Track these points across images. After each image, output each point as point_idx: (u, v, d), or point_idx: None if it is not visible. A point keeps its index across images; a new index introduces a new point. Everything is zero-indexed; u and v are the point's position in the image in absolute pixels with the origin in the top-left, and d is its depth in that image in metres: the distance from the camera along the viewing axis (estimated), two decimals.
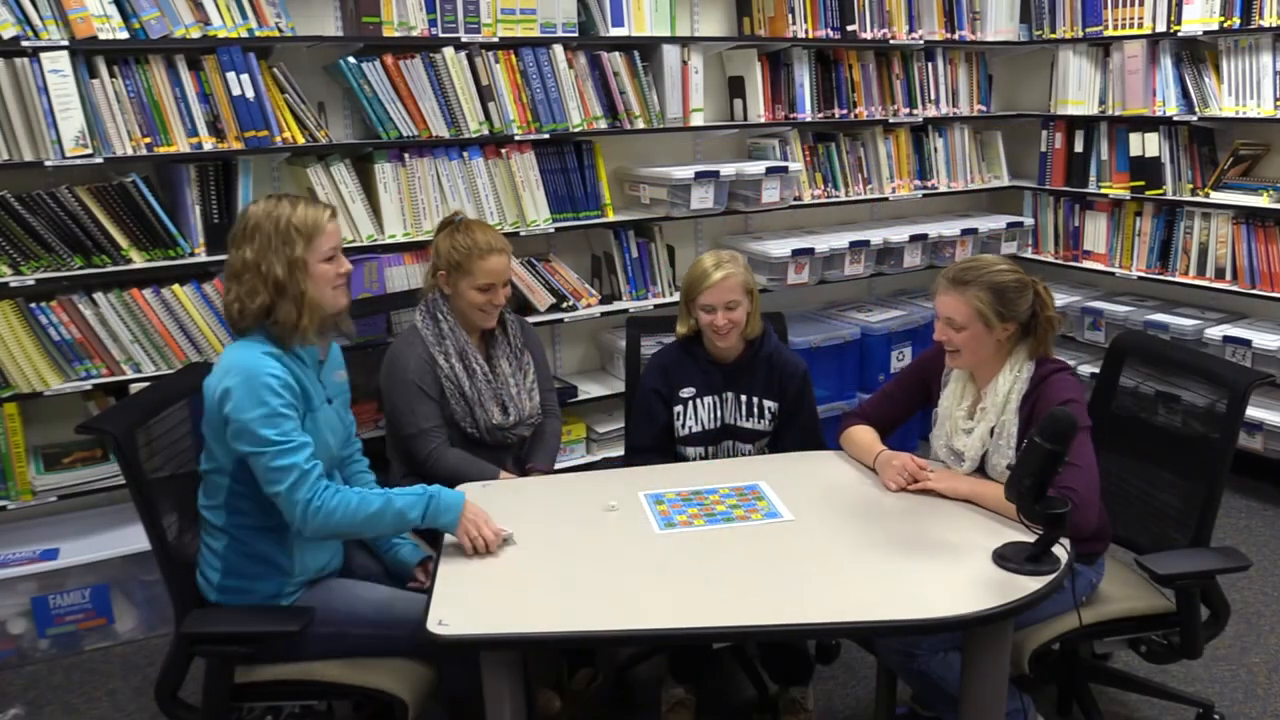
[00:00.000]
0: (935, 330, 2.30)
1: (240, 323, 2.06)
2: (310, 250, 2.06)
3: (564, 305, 3.62)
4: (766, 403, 2.65)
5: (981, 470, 2.30)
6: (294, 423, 2.00)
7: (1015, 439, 2.21)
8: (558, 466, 2.98)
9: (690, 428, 2.66)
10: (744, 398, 2.65)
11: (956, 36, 4.36)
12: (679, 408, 2.66)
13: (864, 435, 2.46)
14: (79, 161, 2.82)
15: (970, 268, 2.26)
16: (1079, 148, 4.42)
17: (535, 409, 2.77)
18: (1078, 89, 4.36)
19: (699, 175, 3.66)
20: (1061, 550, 1.92)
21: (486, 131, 3.42)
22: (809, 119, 4.06)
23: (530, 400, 2.76)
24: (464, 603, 1.85)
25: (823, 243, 4.04)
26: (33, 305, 2.87)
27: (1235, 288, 3.92)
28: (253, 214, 2.08)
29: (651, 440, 2.68)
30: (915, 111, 4.34)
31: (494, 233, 2.71)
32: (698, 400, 2.65)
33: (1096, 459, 2.16)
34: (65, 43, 2.78)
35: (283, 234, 2.04)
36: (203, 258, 3.07)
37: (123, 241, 2.94)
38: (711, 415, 2.66)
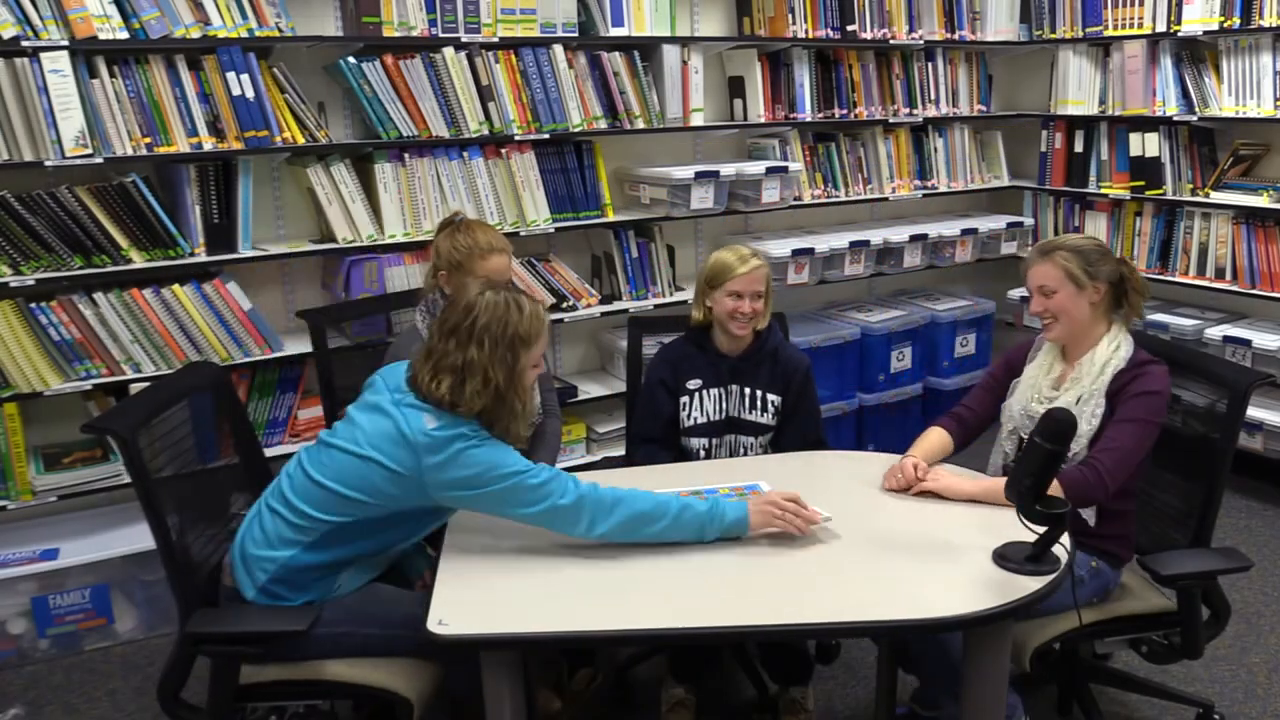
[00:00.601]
0: (1031, 307, 2.35)
1: (454, 411, 1.99)
2: (528, 357, 2.04)
3: (564, 305, 3.62)
4: (770, 396, 2.66)
5: None
6: (518, 455, 2.00)
7: (1100, 410, 2.22)
8: (558, 466, 2.98)
9: (695, 419, 2.67)
10: (748, 390, 2.66)
11: (956, 36, 4.36)
12: (685, 399, 2.68)
13: (923, 439, 2.45)
14: (79, 161, 2.82)
15: (1052, 239, 2.38)
16: (1079, 148, 4.42)
17: (536, 408, 2.77)
18: (1078, 89, 4.36)
19: (699, 175, 3.66)
20: (1061, 550, 1.92)
21: (486, 131, 3.42)
22: (809, 119, 4.06)
23: (532, 400, 2.76)
24: (464, 603, 1.85)
25: (823, 243, 4.04)
26: (33, 305, 2.87)
27: (1235, 288, 3.92)
28: (481, 310, 2.01)
29: (656, 432, 2.70)
30: (915, 111, 4.34)
31: (495, 233, 2.71)
32: (704, 392, 2.67)
33: (1145, 458, 2.22)
34: (65, 43, 2.78)
35: (508, 342, 2.00)
36: (203, 258, 3.07)
37: (123, 241, 2.94)
38: (716, 407, 2.67)
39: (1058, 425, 1.84)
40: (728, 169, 3.74)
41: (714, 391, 2.67)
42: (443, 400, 1.98)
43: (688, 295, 3.85)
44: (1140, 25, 4.09)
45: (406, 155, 3.33)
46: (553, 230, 3.60)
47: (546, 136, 3.51)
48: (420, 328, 2.67)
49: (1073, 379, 2.30)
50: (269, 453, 2.96)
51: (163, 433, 2.13)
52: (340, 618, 2.05)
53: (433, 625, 1.77)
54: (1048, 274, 2.30)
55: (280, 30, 3.10)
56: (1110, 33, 4.20)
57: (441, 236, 2.70)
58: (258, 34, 3.04)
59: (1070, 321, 2.30)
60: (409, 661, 2.08)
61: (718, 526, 2.03)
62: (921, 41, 4.25)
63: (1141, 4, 4.06)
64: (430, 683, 2.08)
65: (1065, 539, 1.93)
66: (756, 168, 3.78)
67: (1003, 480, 2.14)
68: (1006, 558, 1.92)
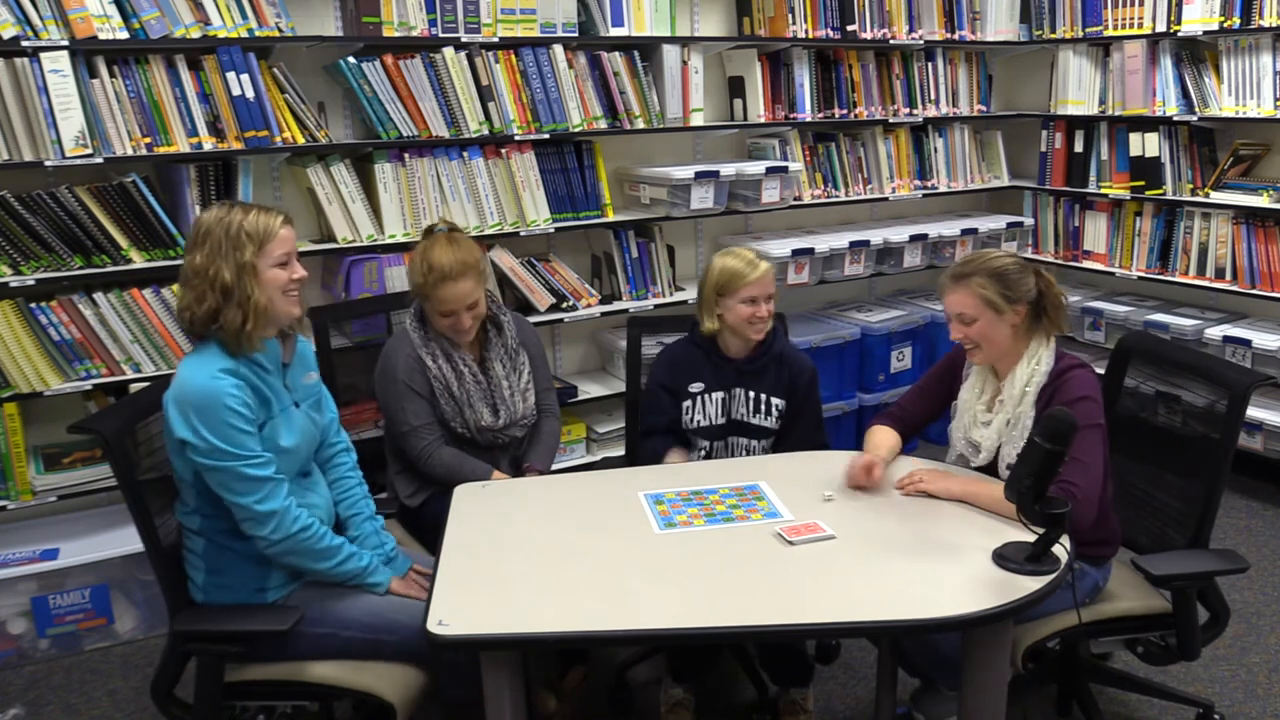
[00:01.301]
0: (950, 332, 2.31)
1: (192, 329, 2.05)
2: (261, 255, 2.04)
3: (564, 305, 3.62)
4: (775, 400, 2.66)
5: (995, 462, 2.30)
6: (256, 439, 2.00)
7: (1029, 430, 2.19)
8: (558, 466, 2.98)
9: (698, 422, 2.67)
10: (753, 394, 2.66)
11: (956, 36, 4.36)
12: (687, 402, 2.67)
13: (875, 437, 2.46)
14: (79, 161, 2.82)
15: (967, 261, 2.29)
16: (1079, 148, 4.42)
17: (529, 410, 2.75)
18: (1078, 89, 4.36)
19: (699, 175, 3.66)
20: (1061, 550, 1.92)
21: (486, 131, 3.42)
22: (809, 119, 4.06)
23: (524, 401, 2.74)
24: (464, 603, 1.85)
25: (823, 243, 4.04)
26: (33, 305, 2.87)
27: (1235, 288, 3.92)
28: (205, 220, 2.06)
29: (664, 424, 2.70)
30: (915, 111, 4.34)
31: (460, 253, 2.55)
32: (706, 396, 2.66)
33: (1106, 458, 2.17)
34: (65, 43, 2.78)
35: (233, 239, 2.02)
36: None
37: (123, 241, 2.94)
38: (719, 410, 2.67)
39: (1058, 425, 1.84)
40: (728, 169, 3.74)
41: (716, 395, 2.67)
42: (183, 316, 2.04)
43: (688, 295, 3.85)
44: (1140, 25, 4.09)
45: (406, 155, 3.33)
46: (553, 230, 3.60)
47: (546, 136, 3.51)
48: (410, 330, 2.66)
49: (1000, 401, 2.29)
50: None
51: (156, 433, 2.13)
52: (322, 619, 2.06)
53: (433, 625, 1.77)
54: (964, 302, 2.24)
55: (280, 30, 3.10)
56: (1110, 33, 4.20)
57: (416, 250, 2.63)
58: (258, 34, 3.04)
59: (992, 346, 2.26)
60: (393, 665, 2.08)
61: (361, 580, 2.13)
62: (921, 41, 4.25)
63: (1141, 4, 4.06)
64: (415, 687, 2.08)
65: (1065, 539, 1.93)
66: (756, 168, 3.78)
67: (998, 483, 2.15)
68: (1006, 558, 1.92)
